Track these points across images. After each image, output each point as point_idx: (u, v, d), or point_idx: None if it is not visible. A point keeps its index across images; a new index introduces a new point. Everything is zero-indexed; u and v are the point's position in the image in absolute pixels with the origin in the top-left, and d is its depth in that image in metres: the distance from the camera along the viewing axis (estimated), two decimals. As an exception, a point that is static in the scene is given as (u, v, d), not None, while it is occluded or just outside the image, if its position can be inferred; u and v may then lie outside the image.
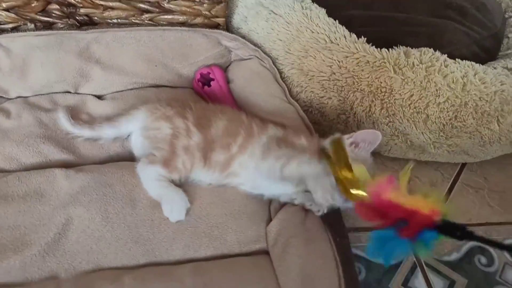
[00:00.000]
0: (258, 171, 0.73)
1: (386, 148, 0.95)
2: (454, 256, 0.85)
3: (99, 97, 0.90)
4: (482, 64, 1.01)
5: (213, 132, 0.75)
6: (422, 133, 0.88)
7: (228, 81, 0.95)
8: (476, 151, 0.92)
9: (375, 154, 0.98)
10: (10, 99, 0.87)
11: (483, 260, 0.85)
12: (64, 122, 0.77)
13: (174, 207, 0.69)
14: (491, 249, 0.86)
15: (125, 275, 0.64)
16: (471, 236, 0.53)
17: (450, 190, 0.97)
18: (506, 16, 1.19)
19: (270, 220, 0.74)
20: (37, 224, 0.67)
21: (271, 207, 0.76)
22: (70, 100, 0.87)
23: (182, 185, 0.72)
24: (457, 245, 0.87)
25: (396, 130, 0.89)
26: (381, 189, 0.56)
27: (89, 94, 0.90)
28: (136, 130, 0.78)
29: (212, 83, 0.91)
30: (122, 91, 0.91)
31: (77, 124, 0.77)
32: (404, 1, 1.08)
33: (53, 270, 0.64)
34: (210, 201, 0.72)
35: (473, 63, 0.90)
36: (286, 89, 0.91)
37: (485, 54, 1.05)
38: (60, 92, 0.89)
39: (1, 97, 0.87)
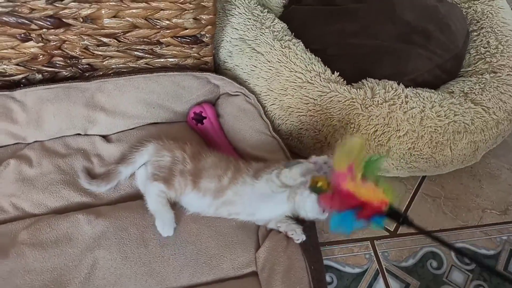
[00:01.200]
0: (255, 192, 0.86)
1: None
2: (410, 261, 1.03)
3: (105, 136, 1.03)
4: (444, 83, 1.15)
5: (202, 164, 0.90)
6: (385, 161, 1.03)
7: (218, 115, 1.08)
8: (432, 170, 1.08)
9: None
10: (29, 143, 1.00)
11: (434, 263, 1.03)
12: (84, 183, 0.92)
13: (165, 223, 0.86)
14: (441, 254, 1.05)
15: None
16: (409, 223, 0.67)
17: (411, 200, 1.14)
18: (470, 29, 1.29)
19: (258, 245, 0.91)
20: (70, 265, 0.83)
21: (259, 233, 0.93)
22: (80, 143, 1.00)
23: (176, 203, 0.89)
24: (414, 251, 1.05)
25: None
26: (341, 180, 0.68)
27: (96, 135, 1.02)
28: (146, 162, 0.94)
29: (204, 121, 1.04)
30: (125, 130, 1.03)
31: (95, 183, 0.92)
32: (374, 26, 1.18)
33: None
34: (208, 235, 0.89)
35: (432, 94, 1.03)
36: (269, 124, 1.04)
37: (446, 75, 1.18)
38: (71, 135, 1.01)
39: (20, 143, 1.00)
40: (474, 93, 1.08)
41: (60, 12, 0.89)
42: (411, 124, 0.99)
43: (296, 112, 1.04)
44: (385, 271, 1.01)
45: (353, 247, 1.04)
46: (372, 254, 1.03)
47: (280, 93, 1.04)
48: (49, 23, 0.90)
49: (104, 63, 1.02)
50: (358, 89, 1.00)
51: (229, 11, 1.13)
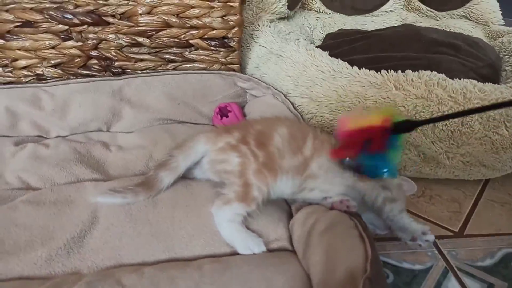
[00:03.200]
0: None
1: (401, 165, 0.97)
2: (488, 262, 0.80)
3: (128, 133, 0.99)
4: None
5: (276, 143, 0.75)
6: (432, 142, 0.91)
7: (244, 115, 1.04)
8: (491, 160, 0.93)
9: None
10: (50, 139, 0.97)
11: (521, 264, 0.80)
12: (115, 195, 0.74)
13: (254, 244, 0.68)
14: (528, 256, 0.82)
15: (145, 267, 0.65)
16: (420, 123, 0.65)
17: (474, 205, 0.95)
18: (500, 55, 1.28)
19: (289, 220, 0.75)
20: (65, 223, 0.70)
21: (292, 207, 0.77)
22: (102, 136, 0.97)
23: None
24: (490, 252, 0.82)
25: (406, 142, 0.92)
26: (342, 125, 0.66)
27: (119, 132, 0.99)
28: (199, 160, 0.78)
29: (229, 114, 1.00)
30: (148, 127, 1.00)
31: (130, 192, 0.74)
32: (399, 43, 1.20)
33: (76, 267, 0.66)
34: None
35: (472, 80, 0.96)
36: (299, 116, 0.98)
37: (484, 81, 1.12)
38: (94, 131, 0.99)
39: (42, 137, 0.97)
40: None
41: (101, 8, 0.98)
42: (454, 98, 0.90)
43: (325, 101, 0.98)
44: (456, 270, 0.78)
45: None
46: (436, 252, 0.82)
47: (307, 85, 1.01)
48: (90, 19, 0.98)
49: (135, 65, 1.06)
50: (389, 71, 0.96)
51: (256, 36, 1.20)
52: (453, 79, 0.96)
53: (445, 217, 0.91)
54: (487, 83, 1.00)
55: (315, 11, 1.56)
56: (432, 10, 1.59)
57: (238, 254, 0.68)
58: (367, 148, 0.64)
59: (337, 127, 0.68)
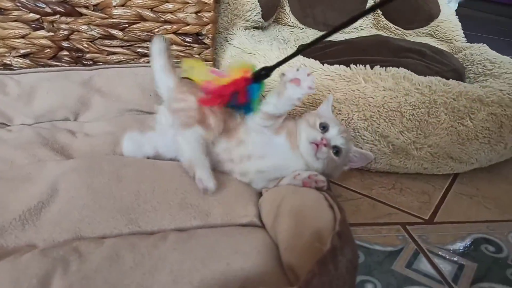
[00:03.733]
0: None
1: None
2: (459, 245, 0.80)
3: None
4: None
5: None
6: (400, 132, 0.92)
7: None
8: (457, 151, 0.95)
9: (363, 171, 1.01)
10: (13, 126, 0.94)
11: (491, 248, 0.80)
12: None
13: (208, 173, 0.70)
14: (499, 242, 0.82)
15: (106, 239, 0.61)
16: (277, 64, 0.69)
17: (443, 197, 0.96)
18: (464, 65, 1.34)
19: (257, 200, 0.73)
20: (22, 197, 0.66)
21: (262, 190, 0.76)
22: (69, 125, 0.94)
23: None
24: (460, 237, 0.82)
25: (375, 133, 0.94)
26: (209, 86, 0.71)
27: (87, 122, 0.97)
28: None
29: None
30: (118, 117, 0.98)
31: None
32: (369, 49, 1.24)
33: (31, 240, 0.61)
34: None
35: (437, 76, 1.00)
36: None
37: (449, 84, 1.16)
38: (60, 120, 0.96)
39: (5, 124, 0.94)
40: (481, 85, 1.05)
41: (74, -1, 0.98)
42: (420, 89, 0.93)
43: (297, 94, 0.99)
44: (426, 252, 0.77)
45: (380, 229, 0.83)
46: (406, 236, 0.81)
47: (278, 80, 1.02)
48: (63, 9, 0.98)
49: (107, 58, 1.05)
50: (358, 65, 0.99)
51: (231, 39, 1.23)
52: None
53: (415, 207, 0.91)
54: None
55: (289, 25, 1.61)
56: (400, 28, 1.67)
57: (207, 227, 0.66)
58: (235, 100, 0.69)
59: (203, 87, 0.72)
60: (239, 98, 0.69)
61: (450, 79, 1.00)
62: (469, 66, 1.32)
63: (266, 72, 0.68)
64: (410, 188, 0.98)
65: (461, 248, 0.79)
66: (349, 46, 1.29)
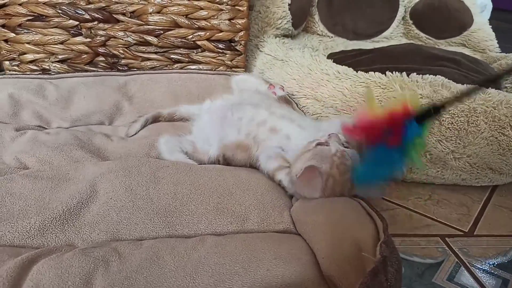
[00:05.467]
0: None
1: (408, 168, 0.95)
2: (501, 259, 0.77)
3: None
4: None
5: None
6: (438, 141, 0.90)
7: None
8: (497, 162, 0.91)
9: (398, 181, 0.98)
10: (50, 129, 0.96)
11: (536, 262, 0.76)
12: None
13: None
14: (542, 255, 0.78)
15: (144, 241, 0.61)
16: (442, 107, 0.56)
17: (483, 209, 0.93)
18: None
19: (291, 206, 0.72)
20: (61, 196, 0.67)
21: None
22: (104, 129, 0.95)
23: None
24: (503, 251, 0.79)
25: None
26: (361, 116, 0.62)
27: (121, 126, 0.98)
28: None
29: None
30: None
31: None
32: (402, 57, 1.22)
33: (70, 239, 0.62)
34: (233, 183, 0.72)
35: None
36: (304, 113, 0.98)
37: (486, 94, 1.13)
38: (96, 124, 0.97)
39: (43, 127, 0.95)
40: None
41: (112, 6, 1.00)
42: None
43: (330, 101, 0.98)
44: (468, 265, 0.74)
45: (419, 240, 0.80)
46: (446, 248, 0.78)
47: (312, 87, 1.02)
48: (101, 15, 1.00)
49: (141, 64, 1.07)
50: (394, 72, 0.97)
51: (262, 46, 1.23)
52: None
53: (454, 219, 0.88)
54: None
55: (318, 34, 1.61)
56: (431, 38, 1.64)
57: (243, 233, 0.65)
58: (386, 140, 0.57)
59: (356, 120, 0.66)
60: (390, 138, 0.56)
61: (490, 88, 0.97)
62: (505, 75, 1.28)
63: (434, 111, 0.56)
64: (447, 199, 0.95)
65: (504, 261, 0.76)
66: (381, 54, 1.27)
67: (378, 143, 0.59)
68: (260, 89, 0.96)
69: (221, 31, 1.06)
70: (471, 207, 0.93)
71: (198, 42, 1.06)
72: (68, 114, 0.96)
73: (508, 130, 0.90)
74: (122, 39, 1.04)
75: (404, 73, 0.97)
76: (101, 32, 1.03)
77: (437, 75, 0.97)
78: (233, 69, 1.11)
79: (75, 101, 0.96)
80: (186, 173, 0.73)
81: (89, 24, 1.01)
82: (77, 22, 1.01)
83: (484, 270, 0.73)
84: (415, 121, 0.56)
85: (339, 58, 1.33)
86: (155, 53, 1.07)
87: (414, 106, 0.58)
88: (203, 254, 0.57)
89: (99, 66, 1.07)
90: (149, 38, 1.04)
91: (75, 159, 0.81)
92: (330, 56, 1.47)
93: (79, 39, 1.03)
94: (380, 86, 0.95)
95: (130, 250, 0.58)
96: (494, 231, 0.85)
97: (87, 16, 1.00)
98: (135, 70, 1.05)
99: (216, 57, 1.09)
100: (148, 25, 1.03)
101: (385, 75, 0.98)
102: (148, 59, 1.07)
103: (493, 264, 0.75)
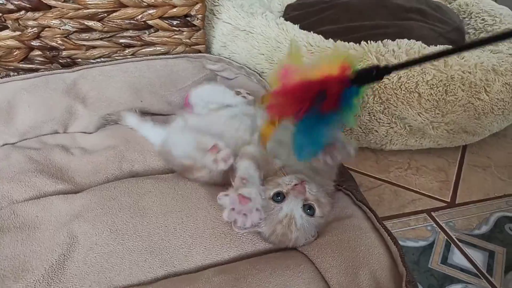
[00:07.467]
0: None
1: (387, 140, 0.94)
2: (484, 228, 0.81)
3: (90, 133, 0.87)
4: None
5: None
6: (418, 113, 0.89)
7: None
8: (473, 125, 0.93)
9: (376, 151, 0.98)
10: (-5, 148, 0.83)
11: (514, 226, 0.81)
12: None
13: None
14: (517, 216, 0.83)
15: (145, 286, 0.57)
16: (388, 69, 0.47)
17: (459, 172, 0.96)
18: (461, 17, 1.29)
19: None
20: (38, 250, 0.59)
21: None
22: (59, 139, 0.84)
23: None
24: (484, 218, 0.83)
25: (392, 116, 0.90)
26: (285, 77, 0.53)
27: (78, 132, 0.87)
28: None
29: (203, 102, 0.91)
30: (113, 125, 0.88)
31: None
32: (367, 11, 1.16)
33: (60, 299, 0.56)
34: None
35: (447, 46, 0.95)
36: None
37: (453, 46, 1.11)
38: (48, 134, 0.85)
39: (-15, 146, 0.83)
40: (489, 49, 1.00)
41: (40, -11, 0.83)
42: (436, 66, 0.88)
43: (305, 79, 0.92)
44: (457, 241, 0.77)
45: (408, 220, 0.82)
46: (434, 225, 0.81)
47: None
48: (27, 3, 0.83)
49: (87, 54, 0.93)
50: (369, 42, 0.91)
51: (218, 12, 1.10)
52: (428, 46, 0.94)
53: (435, 188, 0.90)
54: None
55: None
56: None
57: (242, 259, 0.62)
58: (319, 106, 0.49)
59: (277, 76, 0.54)
60: (325, 103, 0.48)
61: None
62: (466, 19, 1.27)
63: (377, 73, 0.47)
64: (425, 166, 0.97)
65: (487, 231, 0.80)
66: (344, 8, 1.19)
67: (310, 109, 0.50)
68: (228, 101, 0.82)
69: (174, 6, 0.92)
70: (448, 171, 0.96)
71: (150, 22, 0.93)
72: (13, 128, 0.83)
73: (483, 94, 0.90)
74: (59, 28, 0.88)
75: (379, 42, 0.92)
76: (31, 23, 0.86)
77: (411, 40, 0.93)
78: (193, 47, 0.99)
79: (19, 112, 0.83)
80: (172, 197, 0.67)
81: (15, 15, 0.84)
82: (0, 14, 0.83)
83: (472, 244, 0.77)
84: (353, 84, 0.48)
85: (301, 15, 1.24)
86: (101, 39, 0.92)
87: (351, 66, 0.49)
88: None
89: (36, 61, 0.91)
90: (91, 23, 0.89)
91: (38, 189, 0.71)
92: (290, 9, 1.36)
93: (5, 33, 0.86)
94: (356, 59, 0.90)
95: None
96: (474, 196, 0.89)
97: (10, 6, 0.82)
98: (82, 65, 0.91)
99: (171, 36, 0.96)
100: (88, 8, 0.87)
101: (360, 44, 0.92)
102: (93, 47, 0.93)
103: (478, 235, 0.79)
